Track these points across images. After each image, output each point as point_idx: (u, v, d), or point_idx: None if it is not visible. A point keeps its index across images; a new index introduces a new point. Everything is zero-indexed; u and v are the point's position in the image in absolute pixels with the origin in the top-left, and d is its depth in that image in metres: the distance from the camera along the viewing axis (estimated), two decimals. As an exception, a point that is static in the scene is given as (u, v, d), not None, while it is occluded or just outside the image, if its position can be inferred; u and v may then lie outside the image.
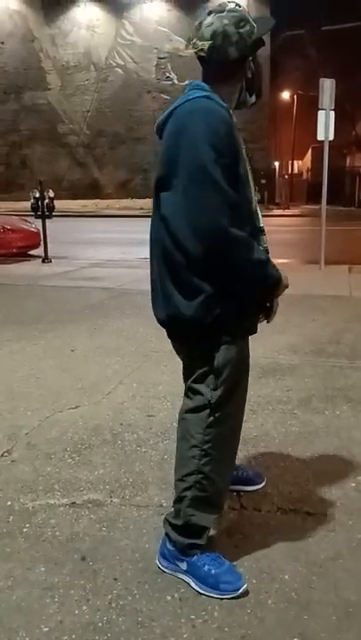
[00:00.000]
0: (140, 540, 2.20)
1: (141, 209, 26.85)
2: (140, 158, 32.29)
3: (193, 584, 1.92)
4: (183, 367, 2.07)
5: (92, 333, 5.31)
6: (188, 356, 1.98)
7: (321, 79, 8.88)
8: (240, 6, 1.88)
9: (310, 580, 1.97)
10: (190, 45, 1.86)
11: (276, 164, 35.38)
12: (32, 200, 10.66)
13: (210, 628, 1.76)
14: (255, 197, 1.91)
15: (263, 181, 26.37)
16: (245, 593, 1.89)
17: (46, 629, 1.77)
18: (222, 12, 1.83)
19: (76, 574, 2.02)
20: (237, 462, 2.56)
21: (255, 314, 1.96)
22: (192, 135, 1.72)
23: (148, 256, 2.01)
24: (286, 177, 38.41)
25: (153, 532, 2.23)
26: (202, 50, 1.83)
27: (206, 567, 1.91)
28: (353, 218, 22.44)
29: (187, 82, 1.94)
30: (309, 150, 37.91)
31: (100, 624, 1.79)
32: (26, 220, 12.22)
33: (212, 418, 1.90)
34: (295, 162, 35.29)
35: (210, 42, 1.81)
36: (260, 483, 2.55)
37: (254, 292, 1.87)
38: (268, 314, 1.99)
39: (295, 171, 37.86)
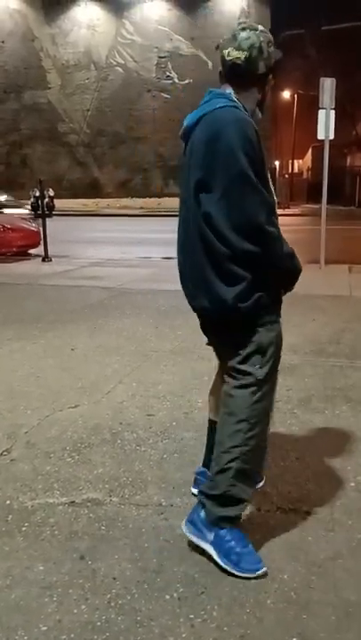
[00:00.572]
0: (140, 539, 2.19)
1: (141, 208, 26.90)
2: (140, 158, 32.30)
3: (215, 556, 2.03)
4: (221, 352, 2.24)
5: (92, 333, 5.30)
6: (229, 341, 2.10)
7: (321, 78, 8.88)
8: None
9: (310, 580, 1.96)
10: (225, 53, 2.01)
11: (277, 163, 35.38)
12: (32, 199, 10.67)
13: (209, 628, 1.76)
14: (276, 199, 2.11)
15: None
16: (263, 575, 1.96)
17: (45, 628, 1.77)
18: (256, 29, 2.03)
19: (74, 573, 2.01)
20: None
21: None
22: (229, 143, 1.89)
23: (178, 252, 2.16)
24: (287, 176, 38.41)
25: (152, 532, 2.23)
26: (238, 59, 2.00)
27: (233, 543, 2.02)
28: (353, 217, 22.45)
29: (208, 89, 2.10)
30: (310, 150, 37.93)
31: (98, 623, 1.78)
32: (26, 219, 12.22)
33: (259, 394, 2.06)
34: (295, 161, 35.29)
35: (246, 53, 1.99)
36: (260, 482, 2.55)
37: (284, 280, 2.08)
38: None
39: (295, 170, 37.88)
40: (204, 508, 2.09)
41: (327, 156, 9.21)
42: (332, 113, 9.01)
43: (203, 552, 2.08)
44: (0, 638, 1.73)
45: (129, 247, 12.69)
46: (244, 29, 2.02)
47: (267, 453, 2.24)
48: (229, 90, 2.05)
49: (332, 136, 9.08)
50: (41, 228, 10.86)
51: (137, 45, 32.16)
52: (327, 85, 8.71)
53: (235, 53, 1.99)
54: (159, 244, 13.11)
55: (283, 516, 2.34)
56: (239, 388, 2.07)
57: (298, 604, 1.86)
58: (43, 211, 10.70)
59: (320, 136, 9.07)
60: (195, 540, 2.10)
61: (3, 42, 33.32)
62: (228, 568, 1.98)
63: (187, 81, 30.85)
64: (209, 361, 4.36)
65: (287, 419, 3.33)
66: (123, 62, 32.49)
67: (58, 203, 10.95)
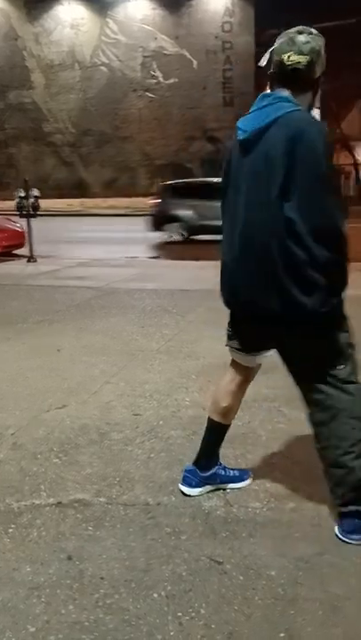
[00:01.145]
0: (127, 539, 2.19)
1: (127, 207, 26.79)
2: (126, 157, 32.20)
3: None
4: (294, 358, 2.20)
5: (78, 333, 5.29)
6: (309, 347, 2.10)
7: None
8: None
9: (297, 576, 1.98)
10: (285, 58, 2.01)
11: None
12: (17, 199, 10.61)
13: (197, 625, 1.76)
14: None
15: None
16: None
17: (33, 629, 1.76)
18: (311, 33, 2.04)
19: (62, 574, 2.01)
20: (224, 460, 2.57)
21: None
22: (313, 144, 1.90)
23: (231, 259, 2.15)
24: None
25: (139, 531, 2.23)
26: (299, 63, 2.00)
27: None
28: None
29: (267, 93, 2.10)
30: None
31: (86, 623, 1.78)
32: (10, 219, 12.15)
33: (350, 391, 2.10)
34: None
35: (308, 57, 2.00)
36: (247, 479, 2.56)
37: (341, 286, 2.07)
38: None
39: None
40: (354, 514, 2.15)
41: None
42: (318, 112, 9.03)
43: (190, 550, 2.09)
44: (-13, 640, 1.72)
45: (115, 247, 12.65)
46: (301, 33, 2.02)
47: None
48: (286, 93, 2.04)
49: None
50: (26, 229, 10.80)
51: (122, 45, 32.04)
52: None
53: (296, 58, 2.00)
54: (145, 243, 13.11)
55: (270, 513, 2.36)
56: (336, 389, 2.10)
57: (285, 600, 1.87)
58: (28, 211, 10.64)
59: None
60: None
61: (-15, 41, 33.06)
62: None
63: (172, 80, 30.82)
64: (196, 359, 4.38)
65: (274, 416, 3.34)
66: (107, 62, 32.35)
67: (43, 203, 10.85)
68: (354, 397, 2.11)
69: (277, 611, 1.82)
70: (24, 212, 10.69)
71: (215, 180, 10.68)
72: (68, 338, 5.10)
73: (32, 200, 10.58)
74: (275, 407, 3.47)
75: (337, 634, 1.74)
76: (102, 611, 1.83)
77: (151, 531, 2.24)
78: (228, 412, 2.41)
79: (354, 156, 35.47)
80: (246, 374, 2.40)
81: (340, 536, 2.16)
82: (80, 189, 32.77)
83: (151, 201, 14.89)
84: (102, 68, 32.49)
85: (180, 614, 1.81)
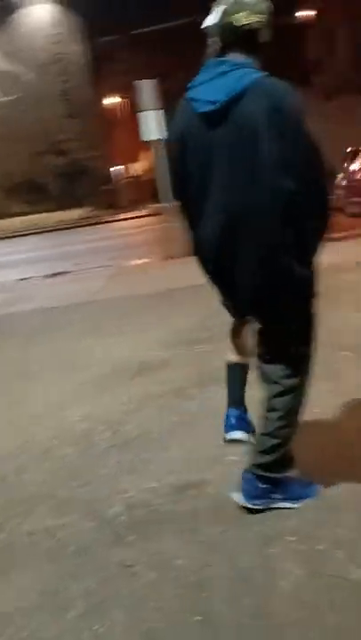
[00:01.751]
0: (34, 566, 2.13)
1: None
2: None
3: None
4: (267, 333, 2.17)
5: None
6: (285, 323, 2.09)
7: (136, 81, 9.04)
8: None
9: (205, 559, 2.02)
10: (238, 18, 1.85)
11: (117, 167, 35.69)
12: None
13: (113, 632, 1.75)
14: None
15: (105, 187, 26.69)
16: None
17: None
18: None
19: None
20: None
21: None
22: (297, 112, 1.84)
23: (214, 246, 2.04)
24: (129, 179, 38.85)
25: (45, 555, 2.19)
26: (259, 22, 1.88)
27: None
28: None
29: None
30: (149, 151, 38.60)
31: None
32: None
33: (306, 372, 2.15)
34: (135, 163, 35.83)
35: (261, 18, 1.88)
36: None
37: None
38: None
39: (136, 172, 38.50)
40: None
41: (160, 156, 9.43)
42: (161, 113, 9.18)
43: (98, 561, 2.08)
44: None
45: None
46: None
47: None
48: (242, 59, 1.90)
49: (163, 135, 9.30)
50: None
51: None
52: (145, 88, 8.91)
53: (251, 17, 1.86)
54: (10, 265, 12.69)
55: (172, 506, 2.38)
56: (289, 375, 2.12)
57: (196, 584, 1.91)
58: None
59: (144, 137, 9.23)
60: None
61: None
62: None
63: (11, 97, 30.00)
64: (83, 371, 4.33)
65: (165, 412, 3.39)
66: None
67: None
68: (300, 379, 2.15)
69: (191, 597, 1.85)
70: None
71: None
72: None
73: None
74: (164, 403, 3.52)
75: (248, 603, 1.80)
76: (17, 645, 1.76)
77: (58, 552, 2.19)
78: (244, 349, 2.53)
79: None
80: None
81: (247, 503, 2.20)
82: None
83: None
84: None
85: (95, 627, 1.78)
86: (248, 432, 2.60)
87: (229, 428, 2.62)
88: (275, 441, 2.15)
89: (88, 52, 28.37)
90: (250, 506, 2.20)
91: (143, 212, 24.12)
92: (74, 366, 4.51)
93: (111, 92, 31.66)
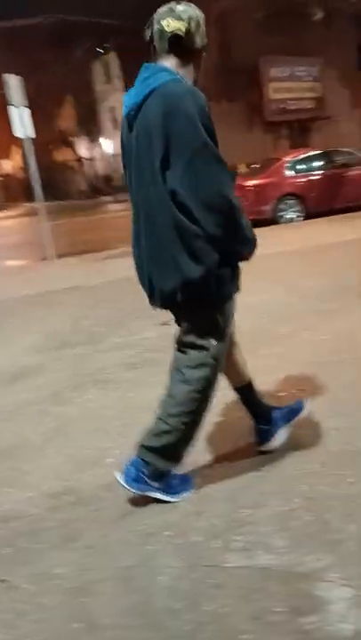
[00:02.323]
0: None
1: None
2: None
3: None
4: (182, 329, 2.22)
5: None
6: (192, 319, 2.15)
7: (4, 75, 8.73)
8: None
9: (85, 564, 2.02)
10: (164, 24, 1.97)
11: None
12: None
13: (-10, 652, 1.69)
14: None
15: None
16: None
17: None
18: (189, 4, 2.02)
19: None
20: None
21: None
22: (188, 115, 1.86)
23: (135, 242, 2.15)
24: (1, 178, 37.39)
25: None
26: (179, 30, 1.97)
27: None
28: (74, 210, 23.00)
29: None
30: (19, 148, 37.42)
31: None
32: None
33: (211, 368, 2.16)
34: (5, 161, 34.48)
35: (185, 24, 1.98)
36: (305, 406, 2.63)
37: (246, 251, 2.09)
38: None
39: (7, 170, 37.09)
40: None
41: (33, 153, 9.21)
42: (27, 110, 8.96)
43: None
44: None
45: None
46: (178, 3, 2.01)
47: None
48: (168, 64, 2.00)
49: (31, 134, 9.07)
50: None
51: None
52: (12, 83, 8.63)
53: (175, 24, 1.97)
54: None
55: (50, 514, 2.34)
56: (194, 366, 2.15)
57: (77, 590, 1.89)
58: None
59: (18, 134, 8.98)
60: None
61: None
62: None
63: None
64: None
65: (43, 418, 3.32)
66: None
67: None
68: (209, 379, 2.18)
69: (71, 604, 1.83)
70: None
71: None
72: None
73: None
74: (42, 409, 3.45)
75: (129, 602, 1.82)
76: None
77: None
78: (238, 372, 2.45)
79: (75, 152, 36.22)
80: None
81: (125, 484, 2.23)
82: None
83: None
84: None
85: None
86: (275, 441, 2.57)
87: (259, 440, 2.58)
88: (165, 427, 2.19)
89: None
90: (127, 487, 2.23)
91: (15, 213, 23.33)
92: None
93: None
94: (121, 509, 2.30)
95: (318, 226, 10.11)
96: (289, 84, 26.50)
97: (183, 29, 1.98)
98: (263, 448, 2.57)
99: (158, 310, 2.26)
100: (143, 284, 2.19)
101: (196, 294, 2.03)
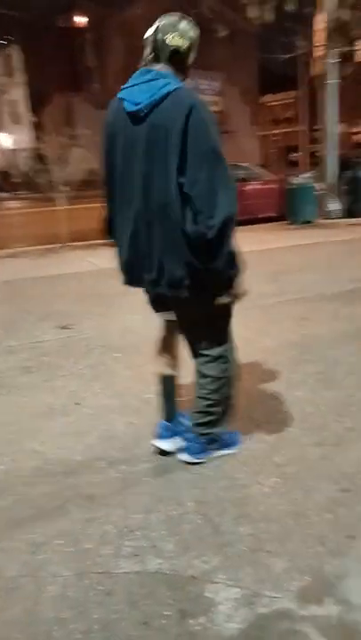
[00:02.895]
0: None
1: None
2: None
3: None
4: (189, 325, 2.43)
5: None
6: (199, 304, 2.28)
7: None
8: None
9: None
10: (168, 38, 2.14)
11: None
12: None
13: None
14: None
15: None
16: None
17: None
18: (191, 22, 2.21)
19: None
20: None
21: None
22: (205, 122, 2.06)
23: (131, 236, 2.22)
24: None
25: None
26: (180, 47, 2.16)
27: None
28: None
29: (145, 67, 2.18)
30: None
31: None
32: None
33: (228, 341, 2.46)
34: None
35: (188, 43, 2.18)
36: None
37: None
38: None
39: None
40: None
41: None
42: None
43: None
44: None
45: None
46: (183, 19, 2.18)
47: None
48: (167, 71, 2.15)
49: None
50: None
51: None
52: None
53: (178, 40, 2.15)
54: None
55: None
56: (212, 347, 2.40)
57: None
58: None
59: None
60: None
61: None
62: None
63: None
64: None
65: None
66: None
67: None
68: (227, 348, 2.45)
69: None
70: None
71: None
72: None
73: None
74: None
75: (16, 613, 1.76)
76: None
77: None
78: (175, 362, 2.61)
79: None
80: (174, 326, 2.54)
81: (192, 459, 2.54)
82: None
83: None
84: None
85: None
86: (175, 441, 2.64)
87: (157, 436, 2.66)
88: (207, 402, 2.48)
89: None
90: (195, 461, 2.53)
91: None
92: None
93: None
94: (10, 518, 2.23)
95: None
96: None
97: (184, 47, 2.18)
98: (156, 443, 2.65)
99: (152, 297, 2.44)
100: (145, 271, 2.25)
101: (203, 282, 2.20)
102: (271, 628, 1.67)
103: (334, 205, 11.71)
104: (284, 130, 37.12)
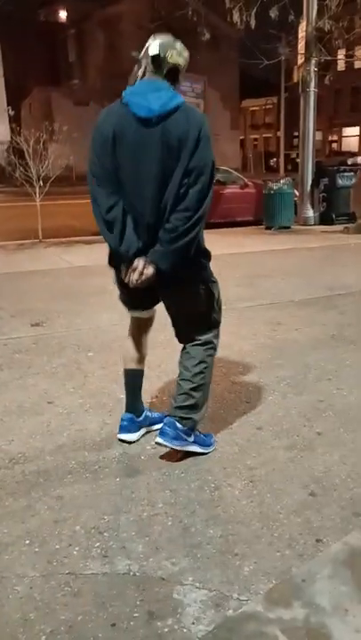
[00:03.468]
0: None
1: None
2: None
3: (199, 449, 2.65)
4: (179, 308, 2.57)
5: None
6: (186, 285, 2.47)
7: None
8: None
9: None
10: (169, 55, 2.33)
11: None
12: None
13: None
14: None
15: None
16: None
17: None
18: (182, 45, 2.41)
19: None
20: None
21: None
22: (208, 138, 2.30)
23: (143, 230, 2.36)
24: None
25: None
26: (179, 65, 2.38)
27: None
28: None
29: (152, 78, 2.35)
30: None
31: None
32: None
33: (216, 328, 2.65)
34: None
35: (183, 62, 2.40)
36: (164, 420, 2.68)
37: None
38: None
39: None
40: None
41: None
42: None
43: None
44: None
45: None
46: (176, 41, 2.39)
47: None
48: (166, 84, 2.33)
49: None
50: None
51: None
52: None
53: (176, 59, 2.36)
54: None
55: None
56: (203, 332, 2.58)
57: None
58: None
59: None
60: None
61: None
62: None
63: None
64: None
65: None
66: None
67: None
68: (214, 335, 2.63)
69: None
70: None
71: None
72: None
73: None
74: None
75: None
76: None
77: None
78: (142, 358, 2.74)
79: None
80: (146, 324, 2.70)
81: (168, 443, 2.55)
82: None
83: None
84: None
85: None
86: (137, 433, 2.79)
87: (121, 429, 2.77)
88: (191, 384, 2.54)
89: None
90: (170, 446, 2.55)
91: None
92: None
93: None
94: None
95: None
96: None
97: (181, 65, 2.40)
98: (121, 436, 2.75)
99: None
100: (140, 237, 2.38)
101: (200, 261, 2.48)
102: (239, 631, 1.67)
103: (310, 212, 11.85)
104: (263, 135, 37.41)
